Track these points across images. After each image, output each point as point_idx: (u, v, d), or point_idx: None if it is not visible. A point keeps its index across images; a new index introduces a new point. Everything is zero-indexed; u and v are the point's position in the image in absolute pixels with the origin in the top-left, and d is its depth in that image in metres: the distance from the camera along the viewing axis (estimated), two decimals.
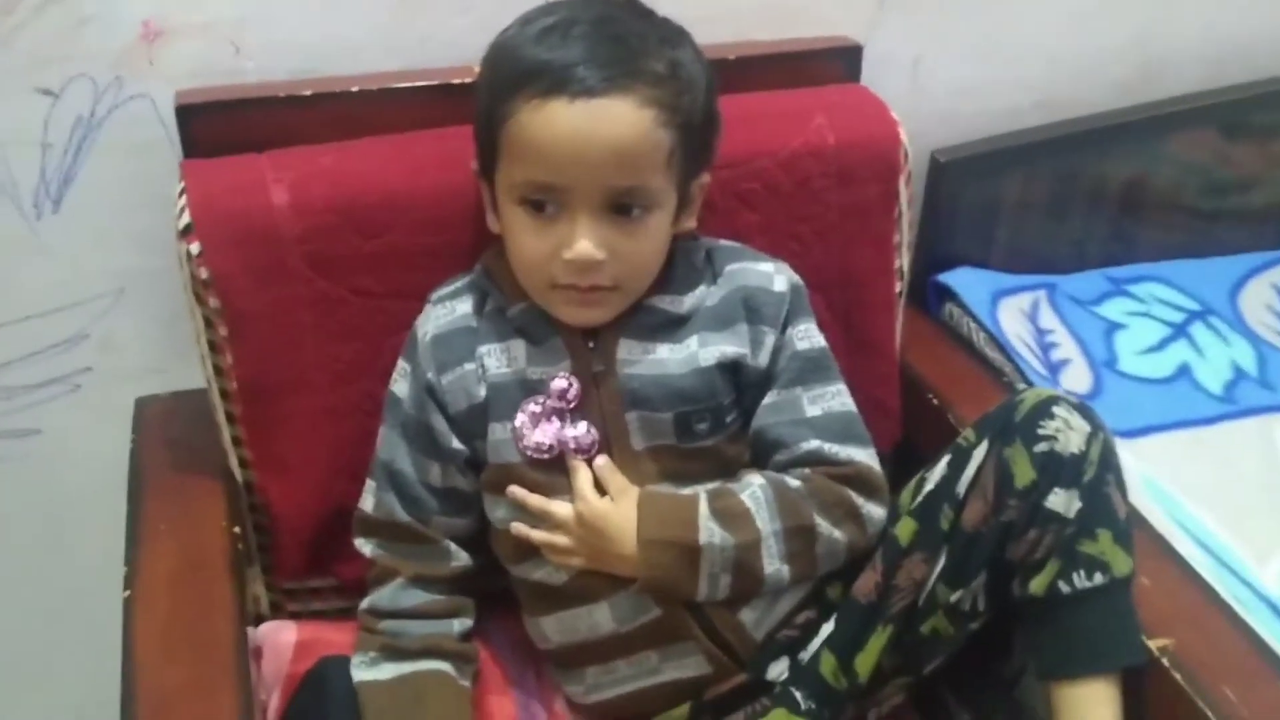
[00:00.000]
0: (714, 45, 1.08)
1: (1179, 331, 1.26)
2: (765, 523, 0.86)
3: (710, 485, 0.90)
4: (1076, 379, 1.18)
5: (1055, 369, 1.18)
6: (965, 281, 1.22)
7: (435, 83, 1.01)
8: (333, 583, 1.03)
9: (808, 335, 0.93)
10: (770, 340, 0.91)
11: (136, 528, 0.93)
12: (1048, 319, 1.24)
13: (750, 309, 0.92)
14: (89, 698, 1.24)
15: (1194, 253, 1.35)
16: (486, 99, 0.86)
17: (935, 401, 1.10)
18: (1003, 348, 1.16)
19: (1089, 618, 0.84)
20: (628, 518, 0.86)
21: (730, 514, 0.86)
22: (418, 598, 0.93)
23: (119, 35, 0.99)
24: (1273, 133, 1.35)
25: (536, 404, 0.89)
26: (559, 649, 0.94)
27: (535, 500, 0.87)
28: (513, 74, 0.83)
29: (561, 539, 0.87)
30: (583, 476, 0.88)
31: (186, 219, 0.90)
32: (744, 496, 0.87)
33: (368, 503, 0.94)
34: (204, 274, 0.91)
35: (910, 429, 1.13)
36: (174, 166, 1.00)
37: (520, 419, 0.89)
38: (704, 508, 0.86)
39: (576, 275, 0.85)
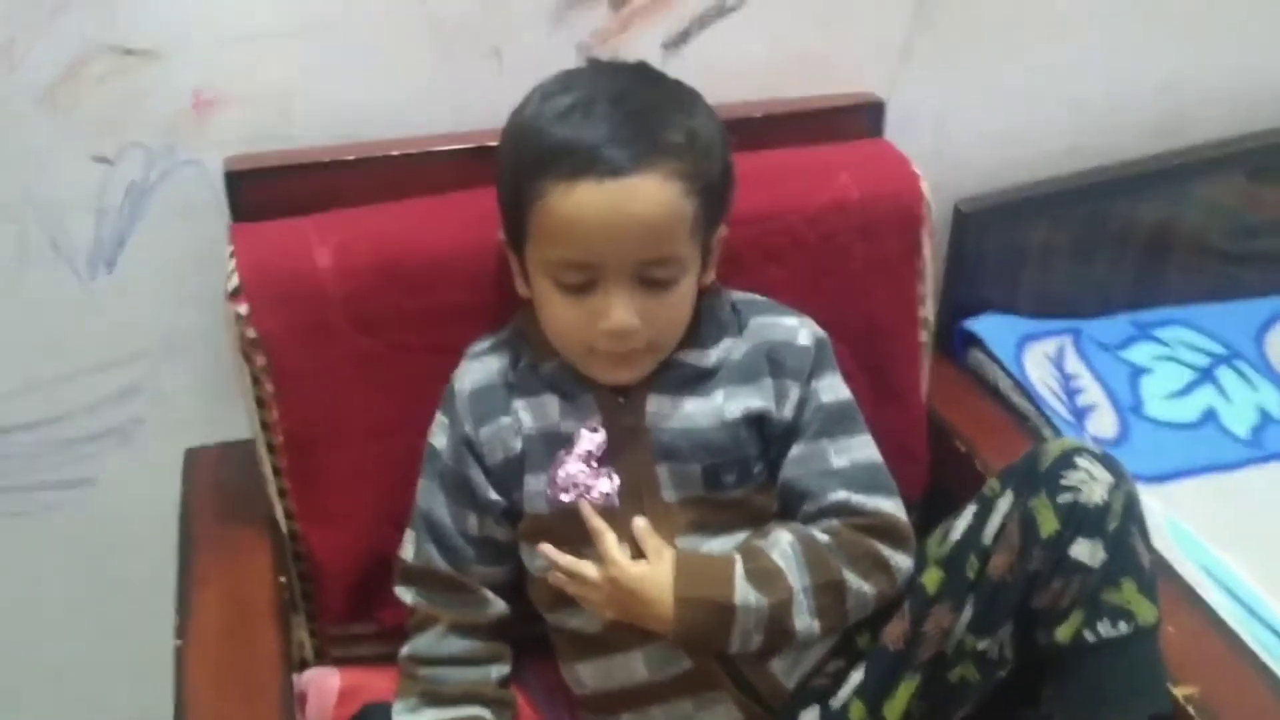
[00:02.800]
0: (740, 104, 1.12)
1: (1205, 376, 1.28)
2: (796, 580, 0.88)
3: (741, 537, 0.92)
4: (1102, 424, 1.20)
5: (1081, 414, 1.20)
6: (991, 328, 1.24)
7: (471, 145, 1.05)
8: (375, 629, 1.05)
9: (833, 388, 0.95)
10: (795, 393, 0.94)
11: (186, 577, 0.97)
12: (1073, 364, 1.26)
13: (774, 362, 0.94)
14: None
15: (1220, 296, 1.37)
16: (511, 178, 0.88)
17: (963, 449, 1.12)
18: (1028, 394, 1.18)
19: (1114, 667, 0.85)
20: (664, 581, 0.87)
21: (763, 574, 0.88)
22: (457, 645, 0.95)
23: (172, 104, 1.04)
24: None
25: (566, 454, 0.92)
26: (594, 695, 0.96)
27: (566, 561, 0.89)
28: (538, 155, 0.85)
29: (594, 595, 0.89)
30: (609, 541, 0.89)
31: (236, 281, 0.95)
32: (775, 555, 0.89)
33: (408, 551, 0.97)
34: (252, 334, 0.95)
35: (938, 476, 1.14)
36: (222, 229, 1.05)
37: (551, 470, 0.91)
38: (739, 569, 0.88)
39: (614, 343, 0.88)
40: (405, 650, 0.97)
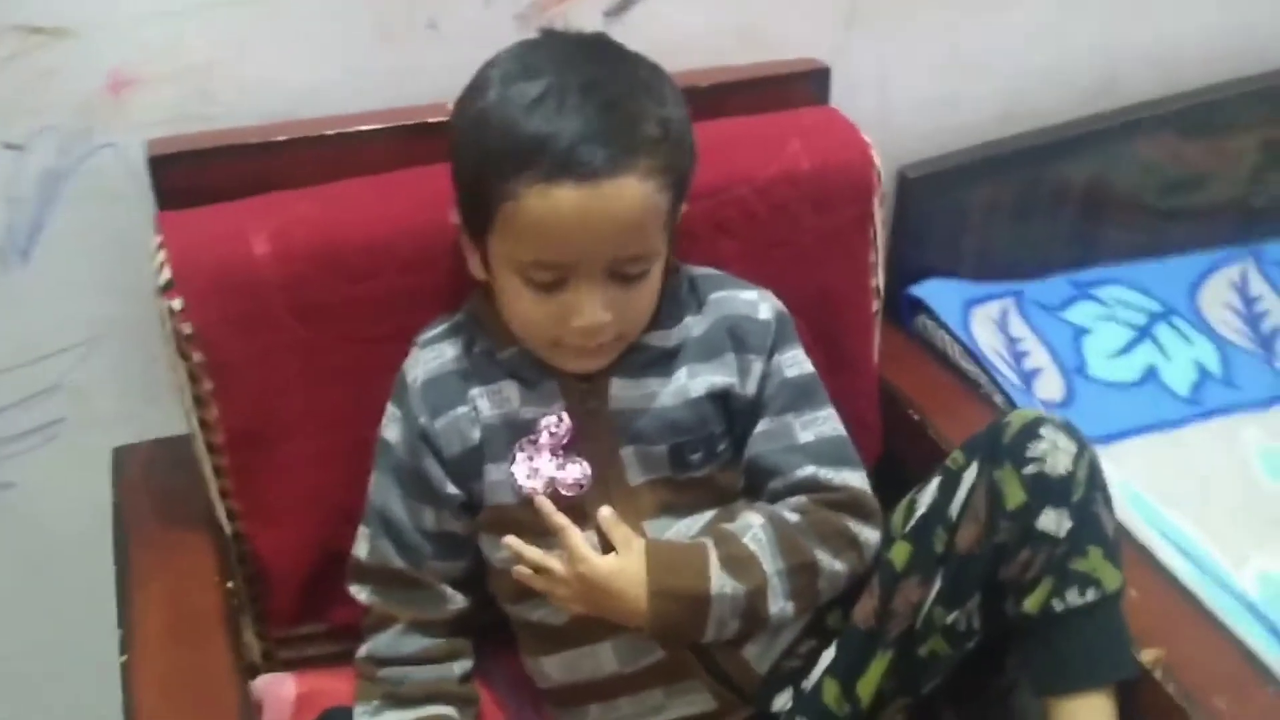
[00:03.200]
0: (686, 72, 1.08)
1: (1143, 334, 1.29)
2: (769, 564, 0.87)
3: (707, 516, 0.91)
4: (1049, 387, 1.21)
5: (1028, 378, 1.21)
6: (936, 293, 1.24)
7: (411, 122, 1.00)
8: (325, 628, 1.02)
9: (796, 362, 0.94)
10: (758, 368, 0.92)
11: (127, 585, 0.92)
12: (1017, 327, 1.27)
13: (736, 338, 0.92)
14: None
15: (1154, 253, 1.38)
16: (474, 170, 0.84)
17: (915, 417, 1.12)
18: (977, 359, 1.18)
19: (1082, 634, 0.86)
20: (636, 574, 0.85)
21: (737, 561, 0.86)
22: (417, 643, 0.93)
23: (86, 85, 0.98)
24: (1225, 132, 1.38)
25: (530, 443, 0.89)
26: (560, 688, 0.94)
27: (533, 553, 0.86)
28: (508, 152, 0.80)
29: (562, 590, 0.87)
30: (574, 537, 0.86)
31: (167, 274, 0.89)
32: (747, 540, 0.87)
33: (361, 549, 0.94)
34: (187, 329, 0.90)
35: (890, 444, 1.14)
36: (145, 215, 0.99)
37: (517, 459, 0.89)
38: (713, 557, 0.86)
39: (584, 338, 0.85)
40: (363, 651, 0.94)
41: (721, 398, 0.91)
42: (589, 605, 0.86)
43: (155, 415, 1.11)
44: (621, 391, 0.90)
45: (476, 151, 0.83)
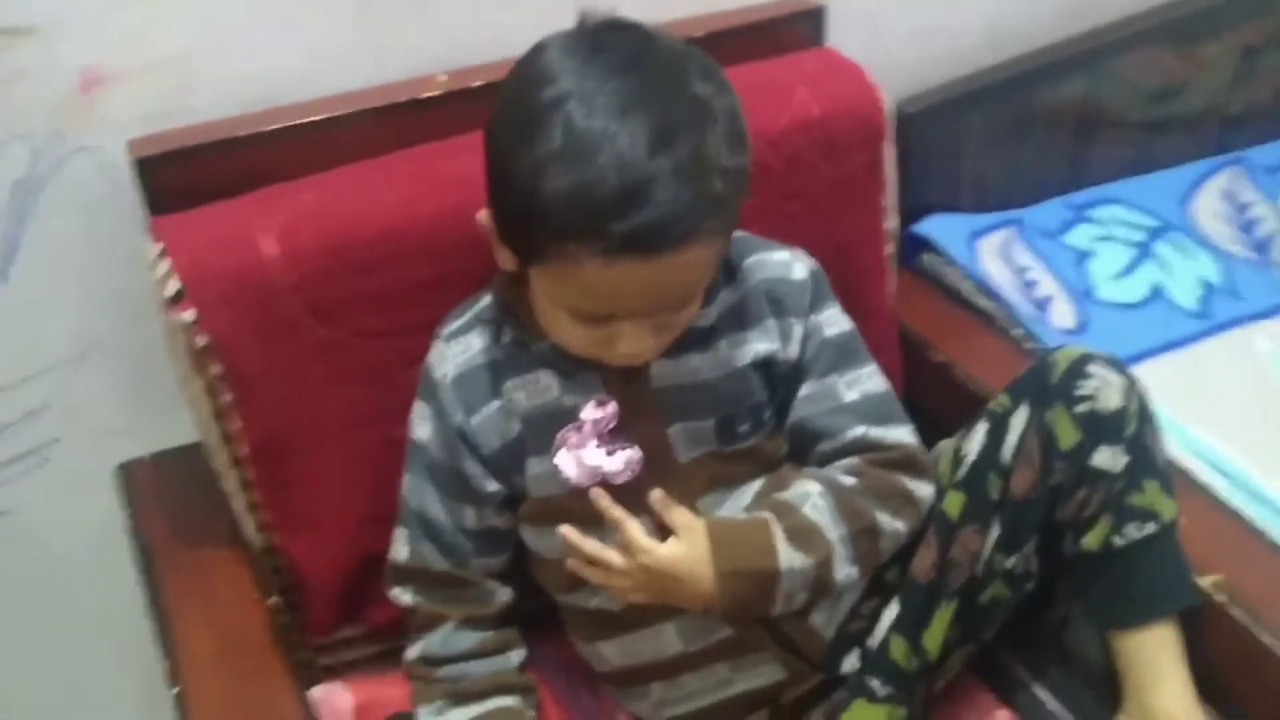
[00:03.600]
0: (679, 21, 1.05)
1: (1144, 252, 1.29)
2: (833, 532, 0.85)
3: (757, 485, 0.89)
4: (1063, 315, 1.20)
5: (1042, 306, 1.20)
6: (942, 229, 1.22)
7: (404, 99, 0.95)
8: (363, 630, 0.99)
9: (834, 320, 0.92)
10: (799, 331, 0.90)
11: (164, 612, 0.88)
12: (1022, 256, 1.25)
13: (774, 301, 0.90)
14: None
15: (1142, 168, 1.38)
16: (527, 217, 0.76)
17: (939, 359, 1.11)
18: (991, 293, 1.17)
19: (1144, 567, 0.86)
20: (701, 557, 0.82)
21: (801, 532, 0.84)
22: (470, 639, 0.90)
23: (56, 86, 0.91)
24: (1203, 41, 1.37)
25: (575, 431, 0.86)
26: (620, 670, 0.93)
27: (591, 546, 0.84)
28: (572, 219, 0.74)
29: (621, 581, 0.84)
30: (633, 528, 0.83)
31: (175, 285, 0.84)
32: (807, 510, 0.85)
33: (401, 552, 0.91)
34: (202, 341, 0.85)
35: (912, 388, 1.13)
36: (128, 222, 0.94)
37: (561, 452, 0.86)
38: (778, 531, 0.84)
39: (628, 361, 0.83)
40: (414, 653, 0.91)
41: (765, 365, 0.89)
42: (652, 594, 0.84)
43: (155, 428, 1.07)
44: (662, 370, 0.87)
45: (532, 204, 0.75)
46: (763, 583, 0.83)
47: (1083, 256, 1.27)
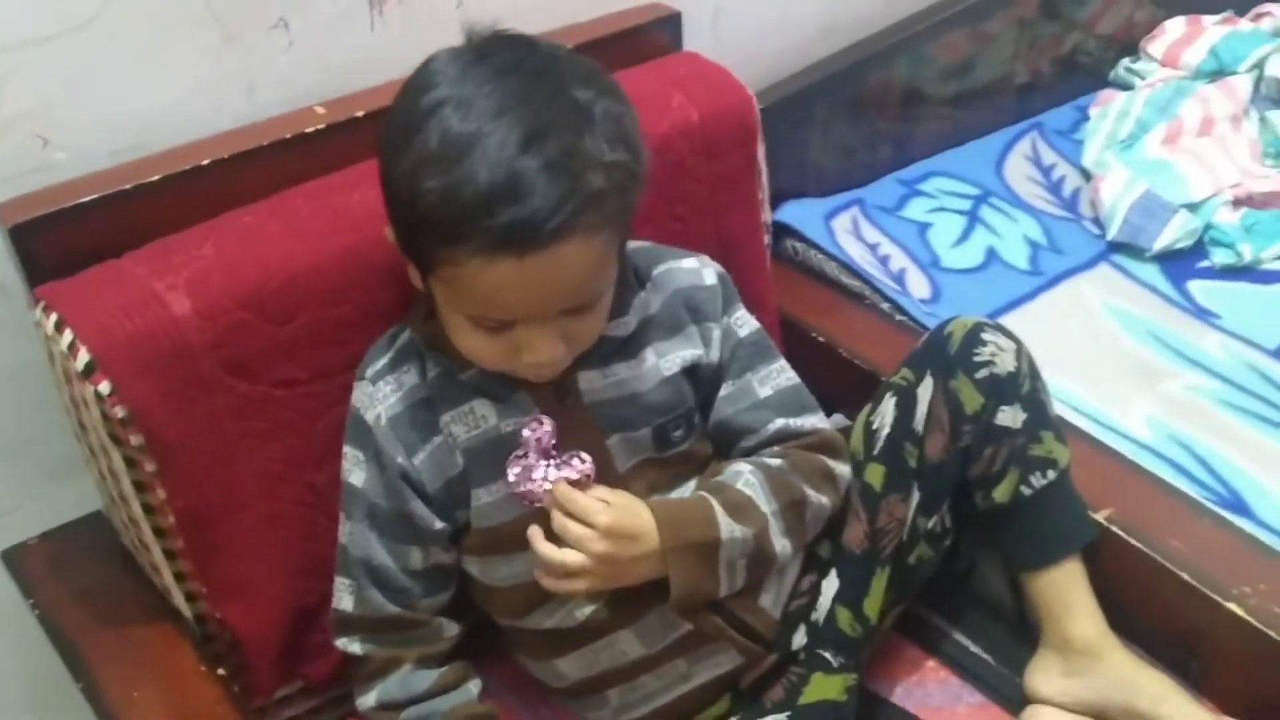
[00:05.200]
0: (544, 34, 1.06)
1: (973, 218, 1.39)
2: (765, 505, 0.89)
3: (691, 486, 0.92)
4: (917, 285, 1.28)
5: (899, 279, 1.28)
6: (799, 215, 1.28)
7: (289, 135, 0.93)
8: (299, 686, 0.96)
9: (744, 321, 0.95)
10: (716, 334, 0.93)
11: (106, 703, 0.82)
12: (870, 233, 1.33)
13: (692, 309, 0.92)
14: None
15: (956, 141, 1.49)
16: (412, 224, 0.77)
17: (820, 339, 1.16)
18: (854, 271, 1.24)
19: (1049, 511, 0.94)
20: (641, 517, 0.84)
21: (737, 506, 0.88)
22: (428, 678, 0.89)
23: None
24: (986, 17, 1.47)
25: (520, 458, 0.86)
26: (577, 683, 0.93)
27: (557, 527, 0.83)
28: (448, 221, 0.74)
29: (598, 546, 0.82)
30: (581, 499, 0.84)
31: (85, 357, 0.79)
32: (740, 486, 0.89)
33: (345, 602, 0.89)
34: (120, 412, 0.80)
35: (797, 370, 1.18)
36: None
37: (511, 477, 0.86)
38: (717, 505, 0.87)
39: (538, 370, 0.83)
40: (370, 700, 0.89)
41: (691, 371, 0.91)
42: (609, 568, 0.83)
43: (33, 507, 0.99)
44: (591, 384, 0.88)
45: (413, 209, 0.76)
46: (707, 553, 0.85)
47: (923, 228, 1.37)
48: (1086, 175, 1.47)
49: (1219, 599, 0.90)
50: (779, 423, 0.93)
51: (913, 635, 1.03)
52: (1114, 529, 0.96)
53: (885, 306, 1.22)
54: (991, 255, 1.35)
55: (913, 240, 1.34)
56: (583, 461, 0.86)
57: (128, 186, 0.86)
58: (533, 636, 0.93)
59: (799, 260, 1.28)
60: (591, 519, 0.82)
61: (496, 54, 0.78)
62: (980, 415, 0.92)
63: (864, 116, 1.38)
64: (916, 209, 1.39)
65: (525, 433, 0.86)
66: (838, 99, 1.33)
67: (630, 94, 1.02)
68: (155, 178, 0.87)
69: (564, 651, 0.92)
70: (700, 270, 0.94)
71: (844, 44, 1.35)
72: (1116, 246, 1.37)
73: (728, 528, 0.86)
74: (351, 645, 0.89)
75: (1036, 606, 0.96)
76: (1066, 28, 1.59)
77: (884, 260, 1.30)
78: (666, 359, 0.90)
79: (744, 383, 0.94)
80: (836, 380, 1.13)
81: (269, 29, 0.95)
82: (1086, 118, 1.54)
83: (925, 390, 0.94)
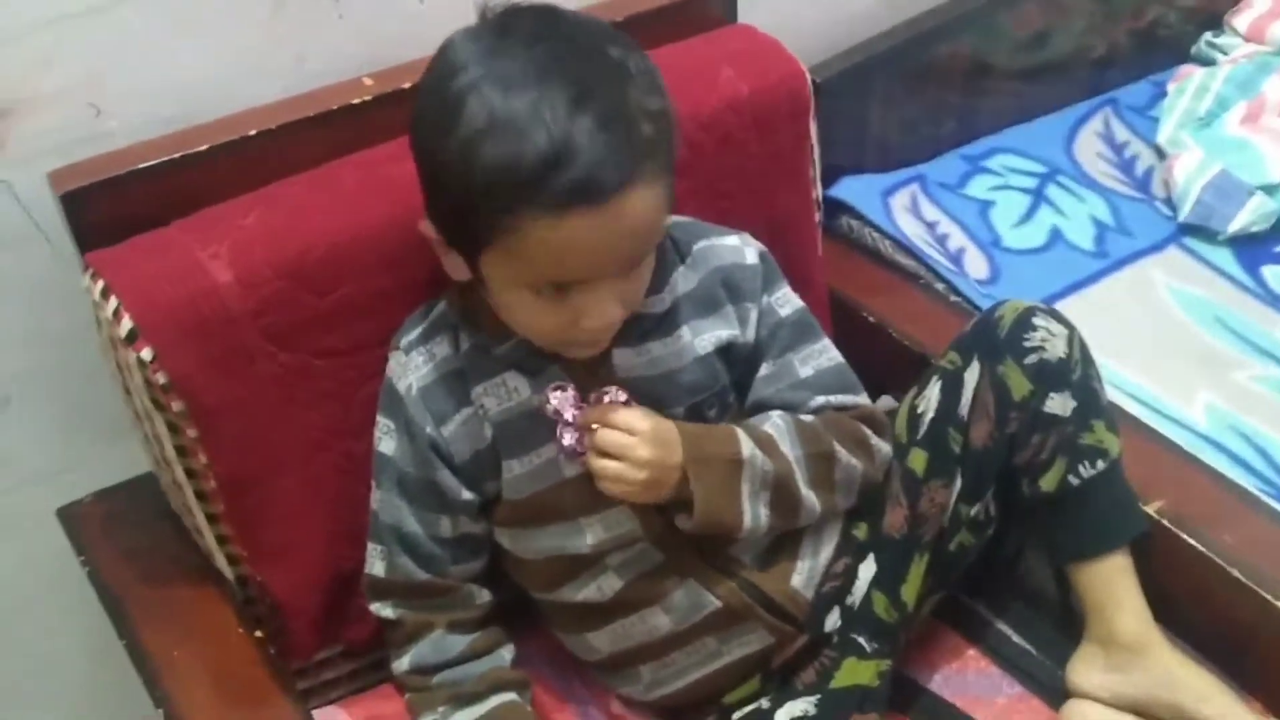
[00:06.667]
0: (594, 6, 1.05)
1: (1038, 197, 1.36)
2: (789, 448, 0.88)
3: None
4: (976, 265, 1.25)
5: (956, 259, 1.25)
6: (856, 192, 1.26)
7: (336, 106, 0.93)
8: (339, 649, 0.98)
9: (787, 300, 0.94)
10: (754, 314, 0.92)
11: (150, 661, 0.85)
12: (929, 211, 1.31)
13: (730, 288, 0.91)
14: None
15: (1026, 116, 1.45)
16: (465, 199, 0.76)
17: (871, 319, 1.14)
18: (910, 250, 1.21)
19: (1098, 502, 0.92)
20: (671, 429, 0.85)
21: (762, 439, 0.87)
22: (460, 643, 0.90)
23: None
24: None
25: (563, 426, 0.86)
26: (610, 657, 0.94)
27: (609, 433, 0.83)
28: (508, 186, 0.74)
29: (643, 452, 0.83)
30: (624, 411, 0.84)
31: (128, 324, 0.80)
32: (767, 427, 0.89)
33: (377, 567, 0.90)
34: (162, 378, 0.81)
35: (846, 350, 1.16)
36: (49, 255, 0.90)
37: (565, 440, 0.85)
38: (741, 431, 0.87)
39: (598, 335, 0.83)
40: (404, 664, 0.90)
41: (726, 349, 0.91)
42: (658, 467, 0.83)
43: (90, 466, 1.02)
44: (626, 361, 0.88)
45: (471, 184, 0.75)
46: (729, 470, 0.85)
47: (985, 206, 1.33)
48: (1161, 154, 1.42)
49: (1270, 597, 0.87)
50: (820, 400, 0.92)
51: (954, 623, 1.01)
52: (1165, 522, 0.93)
53: (940, 287, 1.19)
54: (1055, 236, 1.31)
55: (973, 219, 1.31)
56: (614, 394, 0.85)
57: (176, 156, 0.87)
58: (564, 610, 0.93)
59: (854, 238, 1.25)
60: (633, 426, 0.83)
61: (519, 26, 0.78)
62: (1028, 402, 0.90)
63: (928, 90, 1.35)
64: (979, 186, 1.35)
65: (551, 401, 0.85)
66: (901, 71, 1.30)
67: (678, 68, 1.02)
68: (203, 147, 0.88)
69: (595, 626, 0.92)
70: (742, 248, 0.93)
71: (908, 15, 1.31)
72: (1188, 229, 1.33)
73: (750, 449, 0.86)
74: (384, 610, 0.90)
75: (1082, 599, 0.93)
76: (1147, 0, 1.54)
77: (942, 239, 1.27)
78: (701, 338, 0.90)
79: (784, 362, 0.92)
80: (887, 362, 1.11)
81: (317, 1, 0.95)
82: (1164, 94, 1.48)
83: (972, 375, 0.92)
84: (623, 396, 0.86)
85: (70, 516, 0.99)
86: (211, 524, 0.88)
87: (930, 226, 1.28)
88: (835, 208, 1.27)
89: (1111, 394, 1.08)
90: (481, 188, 0.75)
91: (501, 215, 0.75)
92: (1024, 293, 1.19)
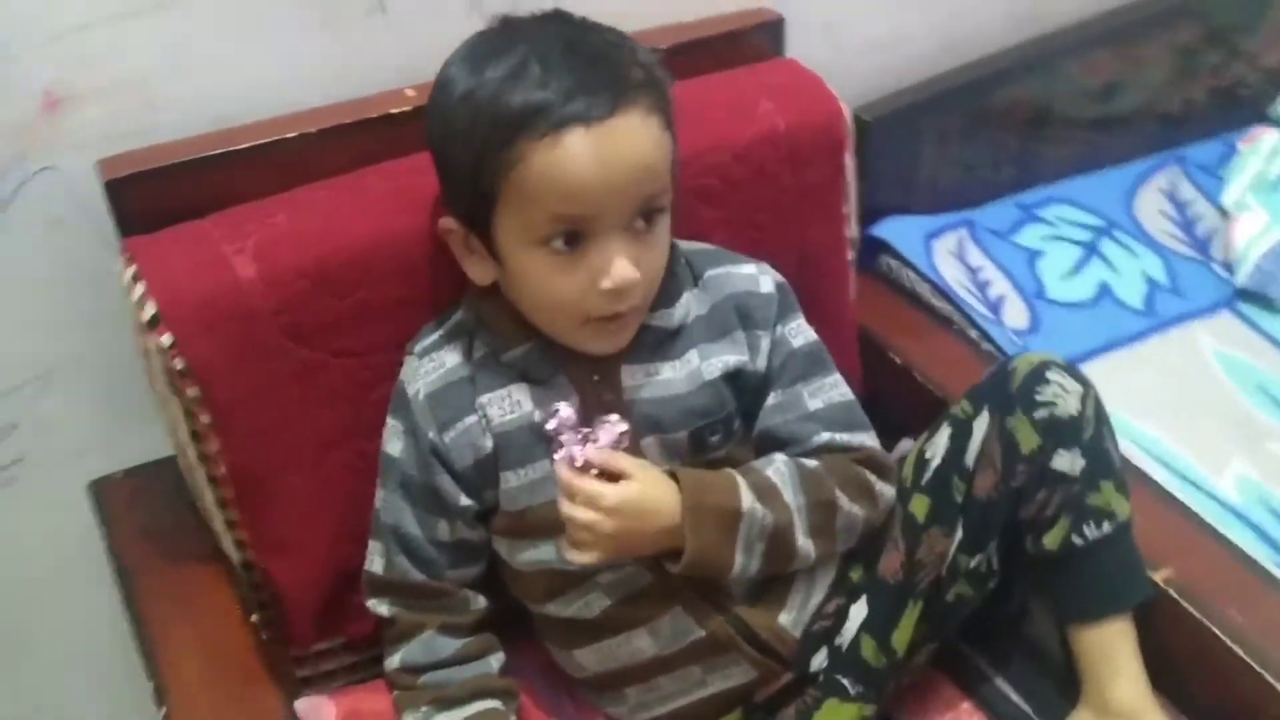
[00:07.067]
0: (639, 33, 1.06)
1: (1091, 250, 1.33)
2: (791, 497, 0.88)
3: None
4: (1015, 315, 1.24)
5: (995, 308, 1.24)
6: (897, 232, 1.25)
7: (374, 115, 0.96)
8: (341, 642, 1.00)
9: (800, 331, 0.94)
10: (765, 343, 0.92)
11: (148, 633, 0.88)
12: (975, 256, 1.29)
13: (743, 315, 0.92)
14: None
15: (1089, 168, 1.42)
16: (472, 147, 0.81)
17: (897, 360, 1.14)
18: (946, 295, 1.20)
19: (1101, 564, 0.90)
20: (663, 493, 0.84)
21: (763, 489, 0.87)
22: (450, 646, 0.92)
23: (18, 109, 0.91)
24: (1139, 41, 1.41)
25: (572, 441, 0.86)
26: (597, 676, 0.95)
27: (562, 508, 0.84)
28: (507, 119, 0.79)
29: (589, 535, 0.83)
30: (588, 481, 0.83)
31: (151, 310, 0.84)
32: (769, 473, 0.89)
33: (376, 565, 0.92)
34: (180, 364, 0.85)
35: (871, 388, 1.15)
36: (94, 240, 0.94)
37: (560, 468, 0.85)
38: (742, 480, 0.87)
39: (616, 302, 0.83)
40: (395, 662, 0.92)
41: (734, 376, 0.91)
42: (620, 540, 0.83)
43: (125, 443, 1.06)
44: (633, 379, 0.89)
45: (470, 130, 0.81)
46: (726, 521, 0.85)
47: (1034, 256, 1.31)
48: (1225, 214, 1.38)
49: (1273, 680, 0.84)
50: (825, 436, 0.92)
51: (952, 672, 1.00)
52: (1171, 591, 0.90)
53: (974, 334, 1.18)
54: (1104, 291, 1.29)
55: (1020, 268, 1.29)
56: (612, 424, 0.86)
57: (216, 153, 0.91)
58: (553, 624, 0.94)
59: (892, 277, 1.25)
60: (597, 502, 0.83)
61: (515, 19, 0.85)
62: (1036, 457, 0.88)
63: (985, 135, 1.33)
64: (1031, 235, 1.34)
65: (550, 424, 0.86)
66: (956, 115, 1.29)
67: (718, 98, 1.04)
68: (242, 146, 0.92)
69: (582, 643, 0.93)
70: (757, 276, 0.94)
71: (967, 59, 1.30)
72: (1243, 294, 1.29)
73: (750, 501, 0.86)
74: (380, 607, 0.92)
75: (1079, 662, 0.91)
76: (1229, 58, 1.50)
77: (983, 286, 1.26)
78: (709, 362, 0.90)
79: (793, 393, 0.93)
80: (910, 405, 1.10)
81: (366, 13, 0.99)
82: (1235, 153, 1.44)
83: (981, 425, 0.90)
84: (623, 426, 0.86)
85: (100, 490, 1.03)
86: (220, 508, 0.91)
87: (973, 272, 1.27)
88: (877, 247, 1.26)
89: (1138, 456, 1.07)
90: (481, 130, 0.80)
91: (504, 150, 0.79)
92: (1062, 345, 1.19)
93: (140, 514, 1.00)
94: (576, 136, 0.78)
